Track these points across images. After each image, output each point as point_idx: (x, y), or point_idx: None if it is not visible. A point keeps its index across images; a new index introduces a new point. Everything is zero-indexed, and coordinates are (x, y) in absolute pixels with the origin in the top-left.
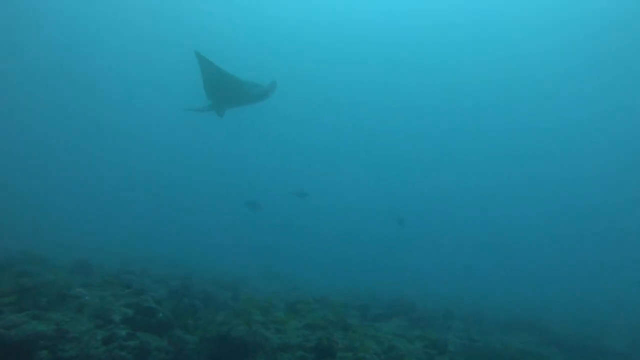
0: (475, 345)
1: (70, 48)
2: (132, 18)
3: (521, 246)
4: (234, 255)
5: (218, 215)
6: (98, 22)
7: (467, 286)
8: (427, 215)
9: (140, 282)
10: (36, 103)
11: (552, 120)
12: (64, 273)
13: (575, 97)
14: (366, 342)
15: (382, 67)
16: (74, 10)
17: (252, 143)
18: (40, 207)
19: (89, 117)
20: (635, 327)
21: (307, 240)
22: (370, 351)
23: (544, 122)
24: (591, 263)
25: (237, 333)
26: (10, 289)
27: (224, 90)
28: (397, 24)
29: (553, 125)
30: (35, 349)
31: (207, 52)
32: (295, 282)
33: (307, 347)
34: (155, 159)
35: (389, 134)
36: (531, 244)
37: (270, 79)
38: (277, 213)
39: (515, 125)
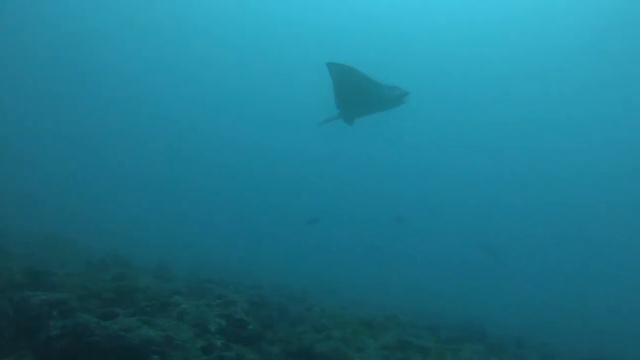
0: None
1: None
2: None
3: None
4: (293, 265)
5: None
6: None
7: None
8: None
9: (221, 291)
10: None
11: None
12: (150, 277)
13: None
14: None
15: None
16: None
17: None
18: (117, 204)
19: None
20: None
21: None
22: None
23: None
24: None
25: (320, 349)
26: (115, 292)
27: (361, 96)
28: None
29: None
30: (149, 353)
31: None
32: (355, 298)
33: None
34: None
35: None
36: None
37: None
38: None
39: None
